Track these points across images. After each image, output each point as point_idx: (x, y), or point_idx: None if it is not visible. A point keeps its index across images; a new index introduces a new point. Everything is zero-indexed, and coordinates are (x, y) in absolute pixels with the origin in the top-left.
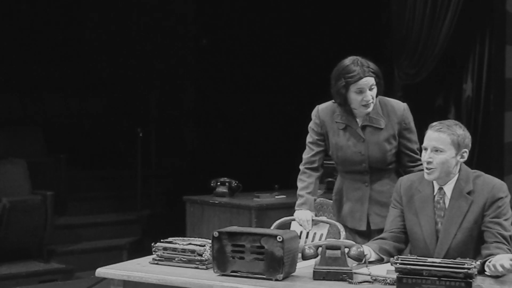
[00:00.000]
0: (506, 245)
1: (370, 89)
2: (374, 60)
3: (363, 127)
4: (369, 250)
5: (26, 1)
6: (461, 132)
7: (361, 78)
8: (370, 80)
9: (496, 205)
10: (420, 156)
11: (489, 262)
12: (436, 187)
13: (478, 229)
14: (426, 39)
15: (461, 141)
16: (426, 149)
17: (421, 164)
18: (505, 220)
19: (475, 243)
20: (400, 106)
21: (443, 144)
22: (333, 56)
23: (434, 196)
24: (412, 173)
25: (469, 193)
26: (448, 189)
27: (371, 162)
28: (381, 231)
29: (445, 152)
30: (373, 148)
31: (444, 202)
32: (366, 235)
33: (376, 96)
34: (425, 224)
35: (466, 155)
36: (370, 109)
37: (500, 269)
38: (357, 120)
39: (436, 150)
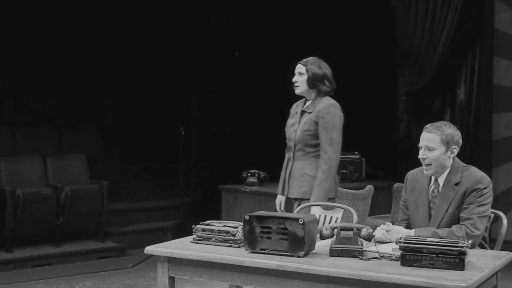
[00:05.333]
0: (467, 227)
1: (299, 74)
2: (381, 70)
3: (302, 112)
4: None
5: (83, 20)
6: (450, 131)
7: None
8: (297, 67)
9: (473, 194)
10: (327, 148)
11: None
12: (433, 178)
13: (459, 213)
14: (425, 51)
15: (449, 139)
16: (421, 147)
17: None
18: (478, 206)
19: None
20: (327, 103)
21: (434, 143)
22: (347, 67)
23: (431, 187)
24: (417, 168)
25: (456, 184)
26: (441, 180)
27: (296, 140)
28: (296, 199)
29: (436, 150)
30: (300, 127)
31: (438, 191)
32: (285, 201)
33: (311, 86)
34: (422, 210)
35: (456, 151)
36: (296, 91)
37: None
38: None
39: (429, 149)
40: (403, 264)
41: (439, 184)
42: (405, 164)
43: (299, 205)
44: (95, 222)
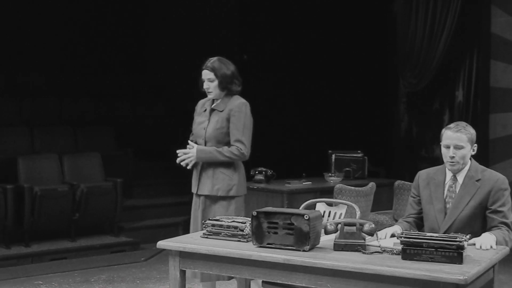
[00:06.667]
0: (507, 230)
1: (209, 81)
2: (383, 72)
3: (212, 110)
4: (399, 227)
5: (99, 23)
6: (473, 131)
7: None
8: (205, 73)
9: (500, 194)
10: (240, 145)
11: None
12: (449, 175)
13: (481, 209)
14: (425, 55)
15: (473, 138)
16: (448, 147)
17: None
18: (508, 209)
19: (476, 221)
20: (239, 101)
21: (463, 142)
22: (352, 69)
23: (447, 183)
24: (429, 168)
25: (477, 180)
26: (460, 176)
27: (207, 138)
28: (207, 196)
29: (464, 148)
30: (211, 126)
31: (455, 187)
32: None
33: (223, 89)
34: (437, 203)
35: (476, 148)
36: (210, 96)
37: (484, 247)
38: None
39: (458, 147)
40: (403, 258)
41: (456, 180)
42: (405, 162)
43: (208, 202)
44: (110, 217)
